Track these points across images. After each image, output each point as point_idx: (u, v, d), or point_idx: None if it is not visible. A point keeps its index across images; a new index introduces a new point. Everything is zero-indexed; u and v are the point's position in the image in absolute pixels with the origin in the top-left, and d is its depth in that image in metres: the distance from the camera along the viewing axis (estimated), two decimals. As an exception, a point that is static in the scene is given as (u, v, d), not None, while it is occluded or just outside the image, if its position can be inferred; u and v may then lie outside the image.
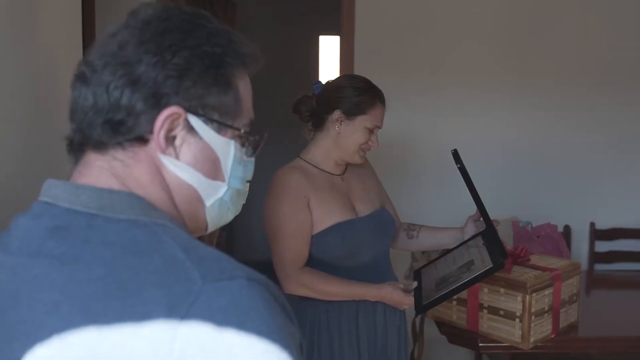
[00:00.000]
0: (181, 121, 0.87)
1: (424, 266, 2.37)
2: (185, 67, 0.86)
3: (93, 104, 0.85)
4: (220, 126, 0.91)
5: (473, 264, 2.13)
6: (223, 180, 0.94)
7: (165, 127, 0.86)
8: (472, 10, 3.84)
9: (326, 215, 2.17)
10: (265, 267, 0.83)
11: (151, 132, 0.85)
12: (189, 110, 0.87)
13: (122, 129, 0.85)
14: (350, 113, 2.19)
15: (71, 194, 0.84)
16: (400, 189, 3.72)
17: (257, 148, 1.01)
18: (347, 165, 2.33)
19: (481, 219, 2.30)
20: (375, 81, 2.30)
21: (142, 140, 0.86)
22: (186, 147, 0.89)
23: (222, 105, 0.90)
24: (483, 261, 2.11)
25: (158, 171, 0.88)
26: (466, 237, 2.32)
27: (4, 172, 1.59)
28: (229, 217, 1.00)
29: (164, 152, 0.87)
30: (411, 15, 3.84)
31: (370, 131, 2.22)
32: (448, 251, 2.35)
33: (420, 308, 2.13)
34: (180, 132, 0.87)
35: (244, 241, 5.72)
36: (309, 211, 2.16)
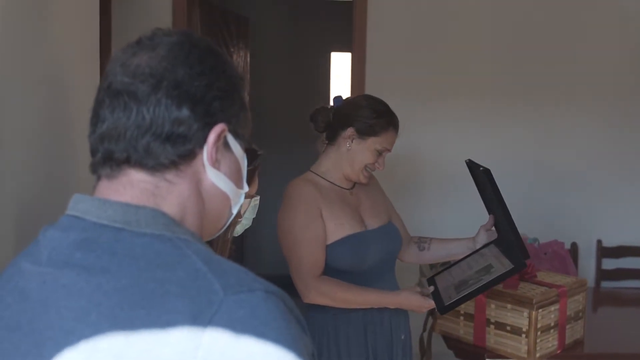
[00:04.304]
0: (222, 136, 0.94)
1: (437, 273, 2.39)
2: (226, 88, 0.94)
3: (151, 122, 0.88)
4: (242, 141, 1.00)
5: (492, 267, 2.14)
6: (242, 188, 1.03)
7: (217, 141, 0.93)
8: (484, 29, 3.89)
9: (337, 227, 2.21)
10: (274, 281, 0.87)
11: (201, 147, 0.92)
12: (229, 126, 0.95)
13: (180, 143, 0.90)
14: (363, 133, 2.24)
15: (98, 208, 0.88)
16: (408, 204, 3.75)
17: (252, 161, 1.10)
18: None
19: (493, 228, 2.33)
20: (385, 97, 2.34)
21: (193, 155, 0.92)
22: (223, 159, 0.96)
23: (245, 122, 1.00)
24: (502, 264, 2.12)
25: (196, 186, 0.94)
26: (478, 246, 2.34)
27: (26, 181, 1.63)
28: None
29: (213, 164, 0.94)
30: (421, 33, 3.89)
31: (379, 153, 2.27)
32: (460, 260, 2.37)
33: (443, 308, 2.14)
34: (220, 147, 0.94)
35: (253, 256, 5.74)
36: (323, 221, 2.20)
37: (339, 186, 2.32)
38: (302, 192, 2.23)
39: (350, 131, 2.25)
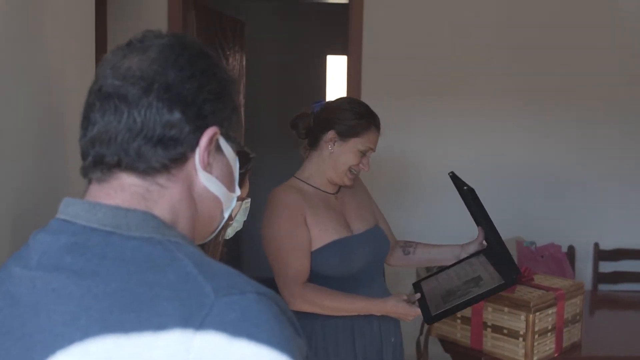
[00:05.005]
0: (215, 139, 0.94)
1: (423, 279, 2.38)
2: (217, 91, 0.94)
3: (142, 125, 0.88)
4: (234, 144, 1.00)
5: (481, 280, 2.14)
6: (234, 191, 1.03)
7: (210, 144, 0.93)
8: (479, 32, 3.89)
9: (323, 233, 2.19)
10: (272, 284, 0.87)
11: (192, 150, 0.91)
12: (221, 130, 0.95)
13: (172, 147, 0.89)
14: (344, 134, 2.23)
15: (88, 211, 0.88)
16: (399, 209, 3.75)
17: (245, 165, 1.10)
18: None
19: (484, 241, 2.33)
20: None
21: (184, 158, 0.91)
22: (215, 163, 0.96)
23: (236, 125, 1.00)
24: (492, 277, 2.11)
25: (188, 189, 0.93)
26: (464, 255, 2.35)
27: (21, 182, 1.62)
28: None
29: (205, 168, 0.93)
30: (417, 36, 3.89)
31: (363, 154, 2.25)
32: (448, 267, 2.37)
33: (430, 319, 2.13)
34: (212, 150, 0.94)
35: (251, 259, 5.73)
36: (307, 228, 2.19)
37: (323, 191, 2.30)
38: (285, 199, 2.22)
39: (331, 134, 2.24)
